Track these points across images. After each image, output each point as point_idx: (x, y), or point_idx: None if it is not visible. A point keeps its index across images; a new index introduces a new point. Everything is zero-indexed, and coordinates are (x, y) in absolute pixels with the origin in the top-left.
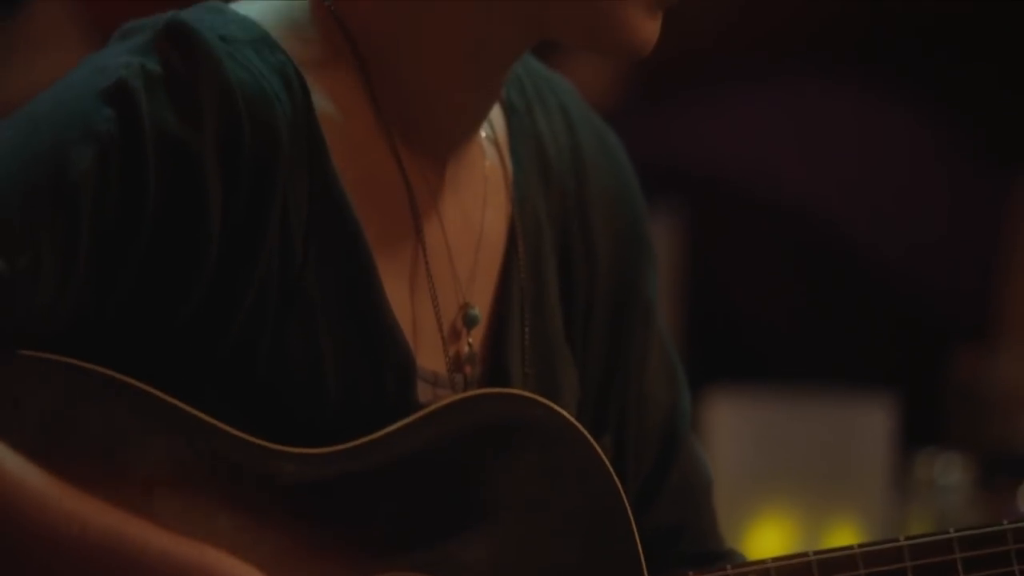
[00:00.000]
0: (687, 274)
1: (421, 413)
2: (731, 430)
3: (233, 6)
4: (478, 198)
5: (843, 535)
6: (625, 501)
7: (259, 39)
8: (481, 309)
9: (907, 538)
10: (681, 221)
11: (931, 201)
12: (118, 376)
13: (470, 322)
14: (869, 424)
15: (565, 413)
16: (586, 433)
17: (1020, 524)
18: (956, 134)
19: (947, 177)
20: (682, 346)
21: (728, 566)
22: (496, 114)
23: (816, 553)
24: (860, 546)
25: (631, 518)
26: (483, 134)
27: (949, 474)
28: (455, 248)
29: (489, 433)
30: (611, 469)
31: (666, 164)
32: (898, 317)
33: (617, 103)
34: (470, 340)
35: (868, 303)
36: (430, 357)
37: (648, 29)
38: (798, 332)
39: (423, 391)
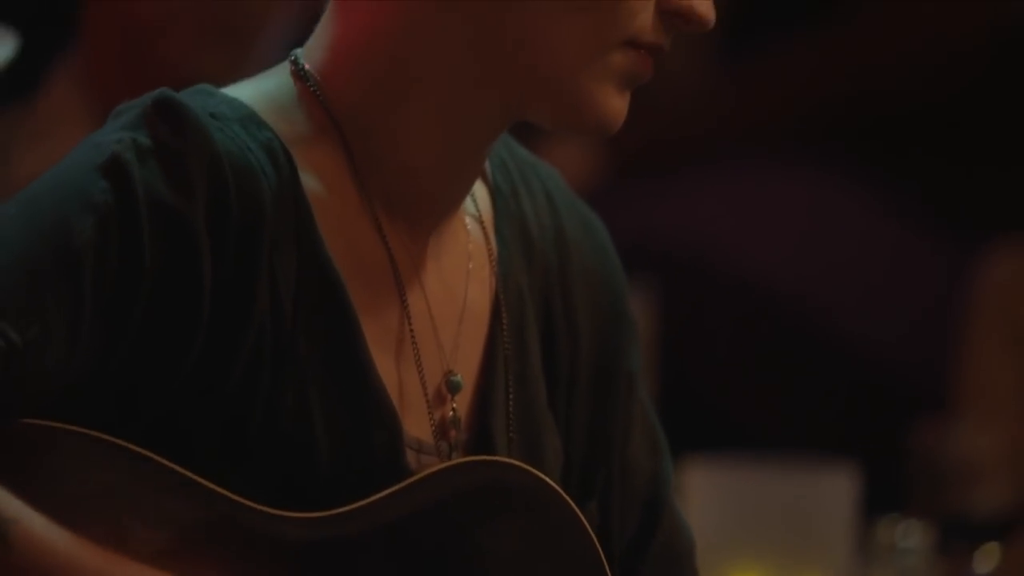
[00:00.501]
0: (659, 347)
1: (412, 479)
2: (702, 497)
3: (222, 90)
4: (461, 272)
5: None
6: (606, 568)
7: (246, 116)
8: (466, 377)
9: None
10: (654, 296)
11: (891, 276)
12: (121, 442)
13: (453, 388)
14: (834, 491)
15: (549, 480)
16: (569, 500)
17: None
18: (913, 211)
19: (905, 252)
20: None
21: None
22: (482, 195)
23: None
24: None
25: None
26: (469, 213)
27: (909, 539)
28: (439, 318)
29: (477, 499)
30: (593, 535)
31: (641, 242)
32: (862, 389)
33: (595, 183)
34: (454, 406)
35: (834, 375)
36: (415, 424)
37: (616, 108)
38: (767, 403)
39: (408, 457)
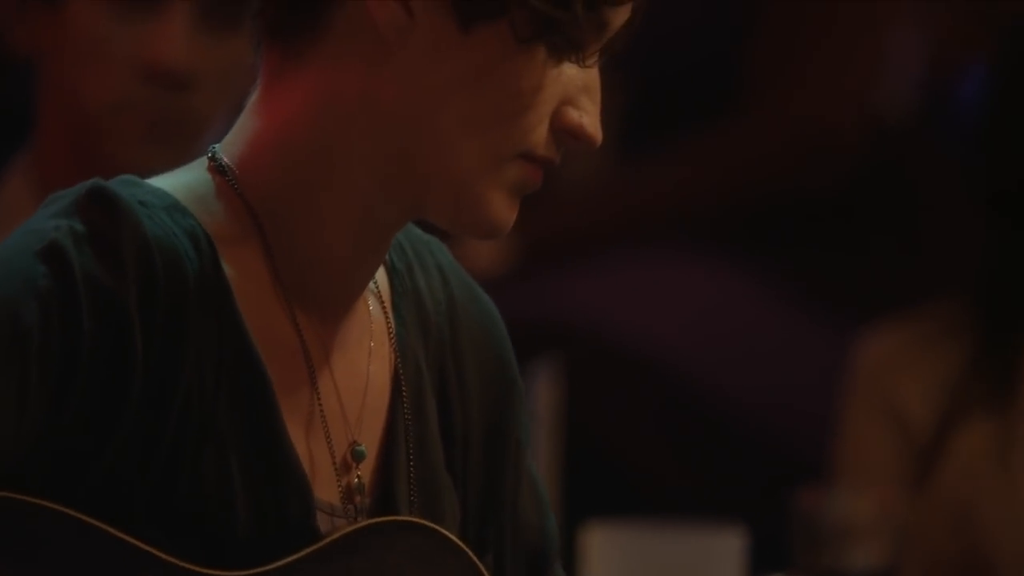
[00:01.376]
0: (566, 421)
1: (323, 541)
2: (602, 558)
3: (146, 181)
4: (364, 349)
5: None
6: None
7: (171, 205)
8: (369, 446)
9: None
10: (560, 370)
11: (777, 355)
12: (59, 508)
13: (358, 457)
14: (724, 551)
15: (451, 536)
16: (471, 553)
17: None
18: (797, 295)
19: (790, 333)
20: (561, 485)
21: None
22: (381, 274)
23: None
24: None
25: None
26: (370, 291)
27: None
28: (344, 393)
29: (384, 557)
30: None
31: (549, 320)
32: (750, 457)
33: (508, 266)
34: (359, 473)
35: (725, 445)
36: (325, 490)
37: (506, 215)
38: (664, 471)
39: (322, 520)
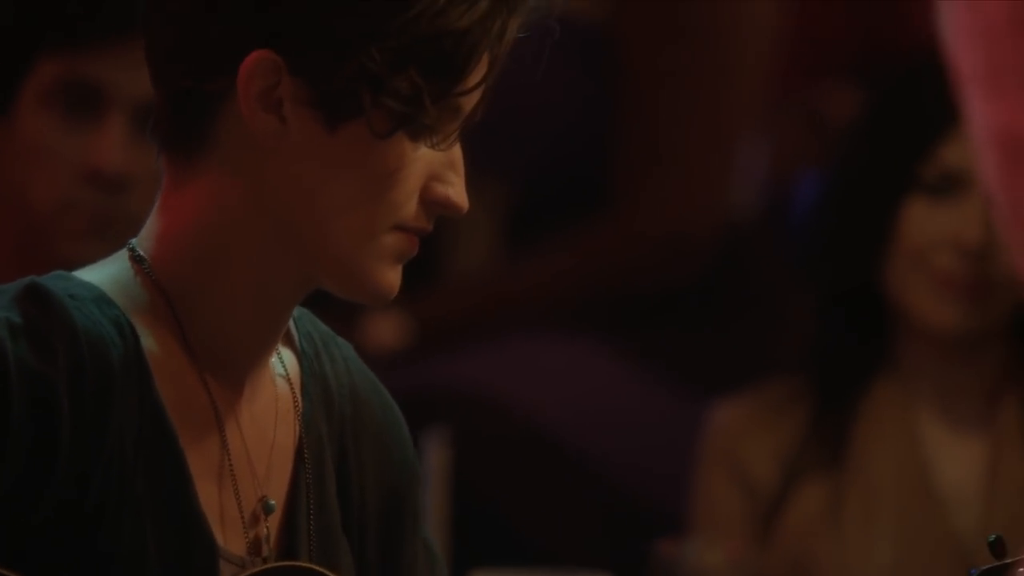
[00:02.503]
0: (454, 483)
1: None
2: None
3: (75, 273)
4: (271, 416)
5: None
6: None
7: (98, 296)
8: (276, 502)
9: None
10: (450, 440)
11: (644, 423)
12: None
13: (268, 510)
14: None
15: None
16: None
17: None
18: (662, 374)
19: (655, 405)
20: (450, 541)
21: None
22: (291, 359)
23: None
24: None
25: None
26: (278, 373)
27: None
28: (252, 452)
29: None
30: None
31: (441, 395)
32: (619, 513)
33: (405, 346)
34: (267, 526)
35: (597, 502)
36: (234, 541)
37: (389, 281)
38: (542, 527)
39: (231, 571)
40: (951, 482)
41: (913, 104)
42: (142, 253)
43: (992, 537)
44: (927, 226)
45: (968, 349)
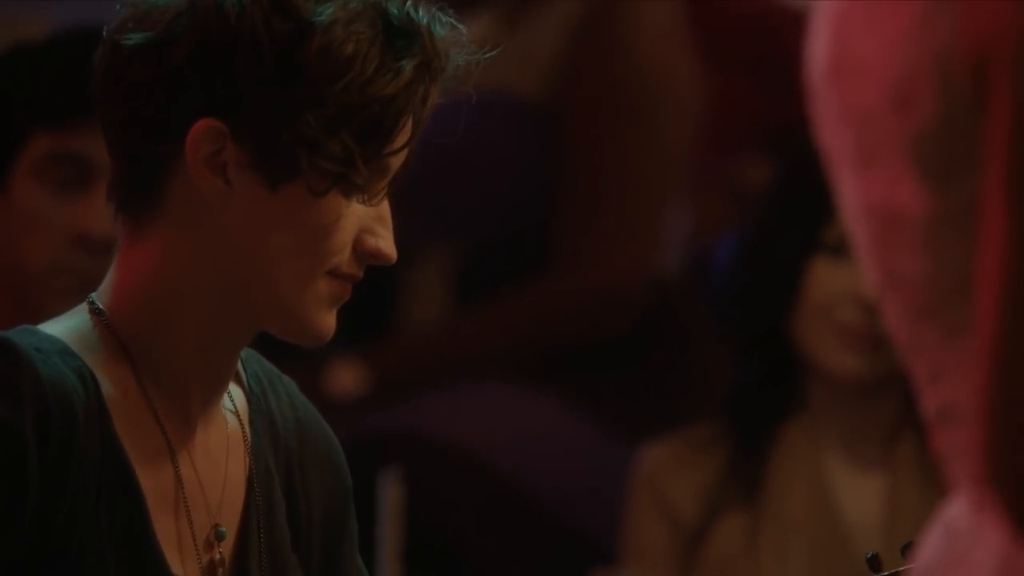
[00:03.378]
0: (407, 519)
1: None
2: None
3: (40, 327)
4: (222, 449)
5: None
6: None
7: (62, 349)
8: (228, 530)
9: None
10: (404, 480)
11: (581, 463)
12: None
13: (220, 536)
14: None
15: None
16: None
17: None
18: (598, 417)
19: (592, 445)
20: (403, 573)
21: None
22: (240, 397)
23: None
24: None
25: None
26: (228, 409)
27: None
28: (205, 483)
29: None
30: None
31: (396, 438)
32: (559, 544)
33: (362, 393)
34: (220, 551)
35: (539, 534)
36: (192, 568)
37: (325, 323)
38: (489, 558)
39: None
40: (855, 515)
41: (817, 175)
42: (101, 306)
43: (869, 554)
44: (830, 283)
45: (869, 394)
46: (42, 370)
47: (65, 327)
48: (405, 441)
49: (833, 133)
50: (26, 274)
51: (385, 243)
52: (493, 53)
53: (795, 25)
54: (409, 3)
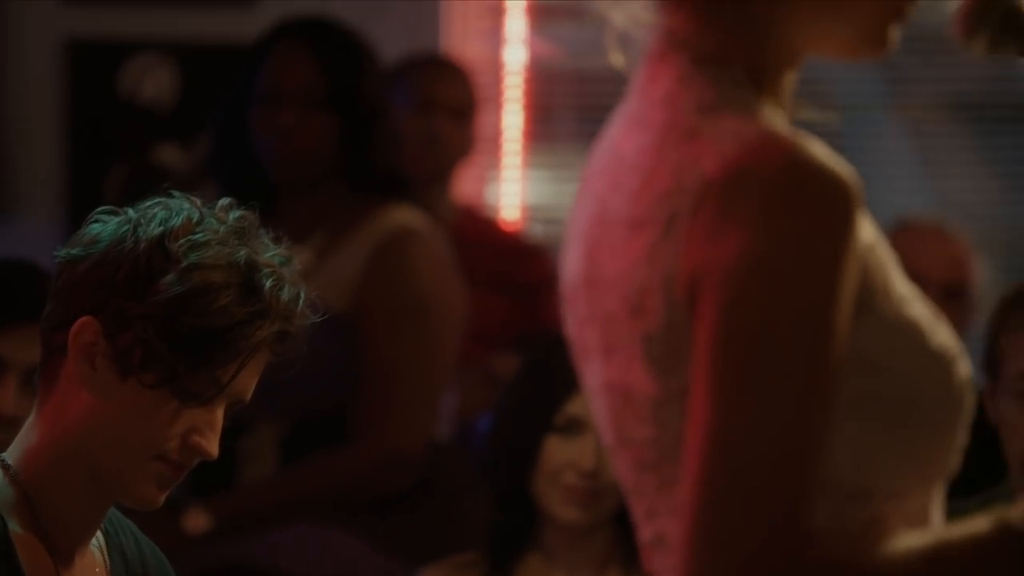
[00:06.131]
0: None
1: None
2: None
3: None
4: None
5: None
6: None
7: None
8: None
9: None
10: None
11: None
12: None
13: None
14: None
15: None
16: None
17: None
18: (391, 550)
19: (387, 572)
20: None
21: None
22: (99, 535)
23: None
24: None
25: None
26: (95, 545)
27: None
28: None
29: None
30: None
31: (237, 566)
32: None
33: (211, 532)
34: None
35: None
36: None
37: (153, 497)
38: None
39: None
40: None
41: (549, 371)
42: (9, 462)
43: None
44: (558, 456)
45: (586, 535)
46: None
47: None
48: (240, 570)
49: (583, 330)
50: None
51: (207, 443)
52: (314, 290)
53: (536, 255)
54: (266, 270)
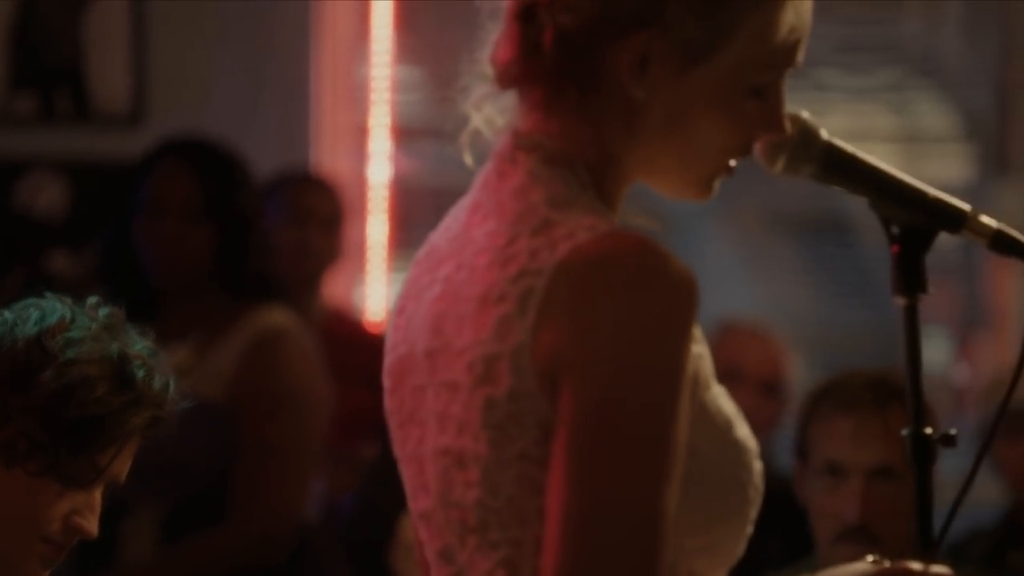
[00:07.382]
0: None
1: None
2: None
3: None
4: None
5: None
6: None
7: None
8: None
9: None
10: None
11: None
12: None
13: None
14: None
15: None
16: None
17: None
18: None
19: None
20: None
21: None
22: None
23: None
24: None
25: None
26: None
27: None
28: None
29: None
30: None
31: None
32: None
33: None
34: None
35: None
36: None
37: (36, 574)
38: None
39: None
40: None
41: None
42: None
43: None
44: (412, 532)
45: None
46: None
47: None
48: None
49: (416, 398)
50: None
51: (88, 525)
52: (192, 383)
53: None
54: (137, 361)
